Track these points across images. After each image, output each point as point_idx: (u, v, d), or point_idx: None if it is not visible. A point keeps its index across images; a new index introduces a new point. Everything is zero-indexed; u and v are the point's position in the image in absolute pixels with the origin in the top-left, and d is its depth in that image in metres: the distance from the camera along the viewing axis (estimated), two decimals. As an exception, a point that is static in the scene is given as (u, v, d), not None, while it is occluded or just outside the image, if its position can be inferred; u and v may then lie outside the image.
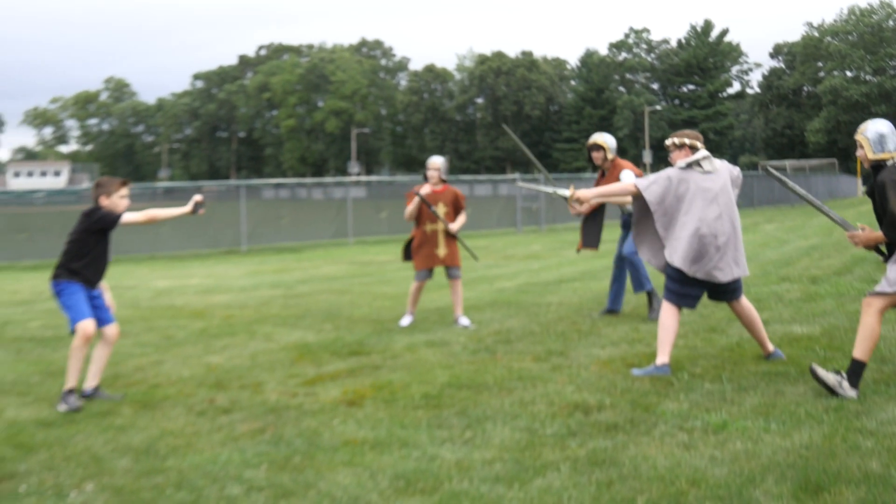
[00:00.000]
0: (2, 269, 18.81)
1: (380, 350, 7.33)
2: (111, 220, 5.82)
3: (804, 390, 5.39)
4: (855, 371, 5.19)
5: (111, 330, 5.99)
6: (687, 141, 6.32)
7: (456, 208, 8.57)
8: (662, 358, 6.14)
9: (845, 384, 5.16)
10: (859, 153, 5.48)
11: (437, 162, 8.62)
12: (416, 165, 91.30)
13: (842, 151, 70.29)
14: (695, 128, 72.61)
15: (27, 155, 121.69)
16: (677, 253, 6.11)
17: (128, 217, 5.84)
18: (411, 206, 8.40)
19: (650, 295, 8.59)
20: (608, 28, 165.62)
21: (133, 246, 20.88)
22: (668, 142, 6.42)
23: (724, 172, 6.28)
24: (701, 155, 6.23)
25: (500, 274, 13.74)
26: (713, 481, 3.90)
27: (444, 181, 8.61)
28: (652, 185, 6.20)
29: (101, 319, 5.94)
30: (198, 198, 6.04)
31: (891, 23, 70.15)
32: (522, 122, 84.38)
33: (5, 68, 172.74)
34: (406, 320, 8.60)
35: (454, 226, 8.48)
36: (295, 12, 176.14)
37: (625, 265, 8.72)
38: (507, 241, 23.03)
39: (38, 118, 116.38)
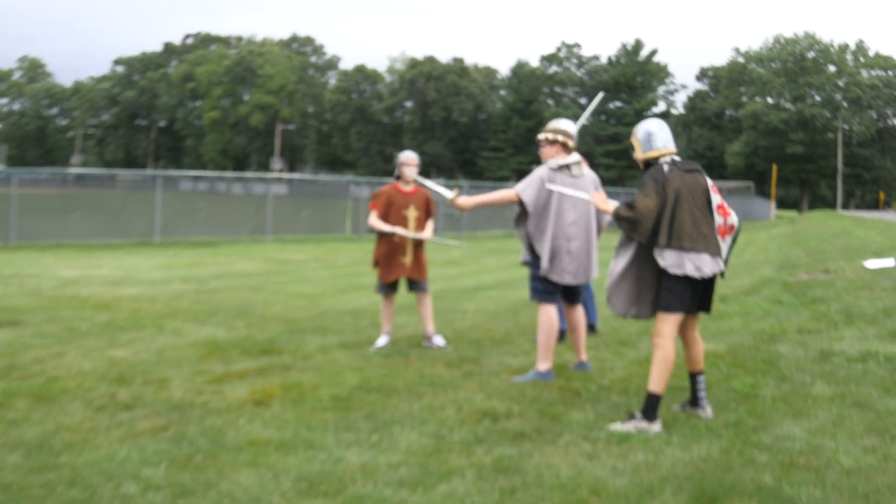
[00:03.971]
0: None
1: (291, 350, 7.23)
2: None
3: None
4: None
5: None
6: (560, 138, 6.37)
7: (427, 213, 7.75)
8: (545, 364, 6.29)
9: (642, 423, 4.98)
10: (634, 155, 5.37)
11: (415, 158, 7.77)
12: (339, 165, 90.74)
13: (758, 175, 72.74)
14: (619, 144, 74.16)
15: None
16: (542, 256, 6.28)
17: None
18: (380, 227, 7.48)
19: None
20: (540, 41, 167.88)
21: (38, 233, 20.19)
22: (541, 136, 6.47)
23: (589, 179, 6.44)
24: (573, 159, 6.35)
25: (418, 278, 13.70)
26: (613, 491, 3.96)
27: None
28: (527, 188, 6.29)
29: None
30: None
31: (812, 53, 72.97)
32: (450, 129, 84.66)
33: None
34: (382, 341, 7.55)
35: (426, 234, 7.64)
36: (226, 4, 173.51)
37: None
38: (426, 246, 23.02)
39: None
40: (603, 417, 5.23)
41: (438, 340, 7.61)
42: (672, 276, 5.05)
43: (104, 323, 8.41)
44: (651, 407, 5.00)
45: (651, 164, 5.28)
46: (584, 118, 7.75)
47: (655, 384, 5.03)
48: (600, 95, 9.07)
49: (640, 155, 5.31)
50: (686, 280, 5.07)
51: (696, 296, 5.18)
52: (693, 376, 5.38)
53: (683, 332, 5.37)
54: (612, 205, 5.28)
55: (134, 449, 4.47)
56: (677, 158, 5.26)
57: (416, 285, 7.67)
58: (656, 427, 4.95)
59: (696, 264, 5.04)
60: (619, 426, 4.98)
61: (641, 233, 5.06)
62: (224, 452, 4.45)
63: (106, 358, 6.74)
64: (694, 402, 5.39)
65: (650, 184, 5.10)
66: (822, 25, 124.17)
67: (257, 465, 4.25)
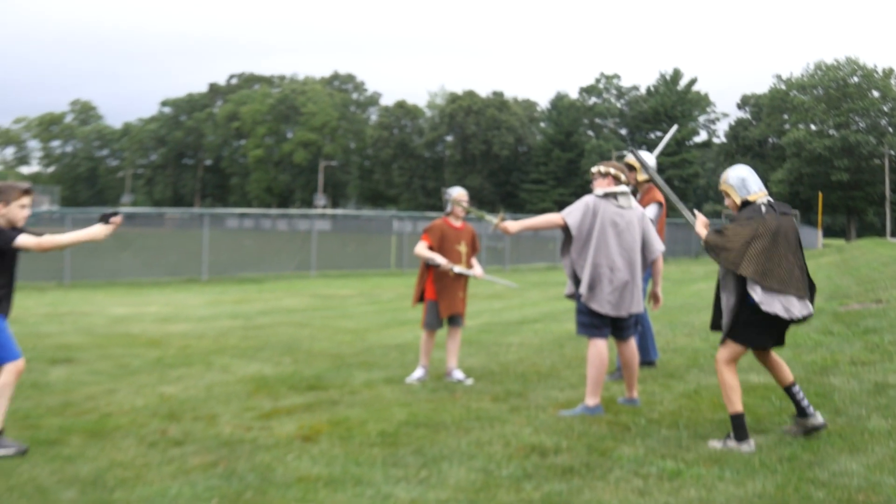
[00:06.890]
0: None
1: (338, 385, 7.26)
2: (5, 239, 5.13)
3: (759, 439, 5.42)
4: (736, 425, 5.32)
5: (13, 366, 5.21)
6: (612, 171, 6.47)
7: (473, 249, 7.82)
8: (594, 399, 6.26)
9: (731, 443, 5.26)
10: (727, 202, 5.53)
11: (466, 194, 7.79)
12: (382, 200, 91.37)
13: (804, 203, 71.65)
14: (661, 174, 73.76)
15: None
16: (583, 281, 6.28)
17: (23, 241, 5.17)
18: (429, 255, 7.49)
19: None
20: (579, 72, 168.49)
21: (91, 272, 20.55)
22: (594, 169, 6.57)
23: (637, 212, 6.48)
24: (620, 189, 6.40)
25: (463, 312, 13.69)
26: (666, 529, 3.90)
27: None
28: (573, 212, 6.36)
29: None
30: (116, 219, 5.37)
31: (855, 79, 72.03)
32: (491, 162, 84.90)
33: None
34: (419, 373, 7.58)
35: (479, 271, 7.76)
36: (269, 45, 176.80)
37: None
38: (470, 280, 23.01)
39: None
40: (653, 452, 5.16)
41: (459, 374, 7.60)
42: (760, 311, 5.23)
43: (155, 360, 8.53)
44: (736, 427, 5.24)
45: (746, 204, 5.45)
46: (660, 149, 7.88)
47: (728, 406, 5.32)
48: (675, 128, 9.31)
49: (736, 200, 5.47)
50: (773, 319, 5.28)
51: (774, 335, 5.44)
52: (787, 389, 5.58)
53: (763, 359, 5.64)
54: (704, 232, 5.49)
55: (185, 485, 4.52)
56: (772, 200, 5.44)
57: (457, 320, 7.72)
58: (747, 446, 5.15)
59: (785, 305, 5.24)
60: (715, 443, 5.25)
61: (729, 260, 5.24)
62: (273, 489, 4.47)
63: (157, 394, 6.84)
64: (801, 412, 5.52)
65: (745, 217, 5.30)
66: (865, 50, 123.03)
67: (307, 502, 4.26)
